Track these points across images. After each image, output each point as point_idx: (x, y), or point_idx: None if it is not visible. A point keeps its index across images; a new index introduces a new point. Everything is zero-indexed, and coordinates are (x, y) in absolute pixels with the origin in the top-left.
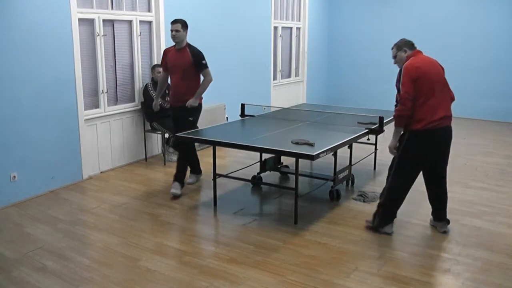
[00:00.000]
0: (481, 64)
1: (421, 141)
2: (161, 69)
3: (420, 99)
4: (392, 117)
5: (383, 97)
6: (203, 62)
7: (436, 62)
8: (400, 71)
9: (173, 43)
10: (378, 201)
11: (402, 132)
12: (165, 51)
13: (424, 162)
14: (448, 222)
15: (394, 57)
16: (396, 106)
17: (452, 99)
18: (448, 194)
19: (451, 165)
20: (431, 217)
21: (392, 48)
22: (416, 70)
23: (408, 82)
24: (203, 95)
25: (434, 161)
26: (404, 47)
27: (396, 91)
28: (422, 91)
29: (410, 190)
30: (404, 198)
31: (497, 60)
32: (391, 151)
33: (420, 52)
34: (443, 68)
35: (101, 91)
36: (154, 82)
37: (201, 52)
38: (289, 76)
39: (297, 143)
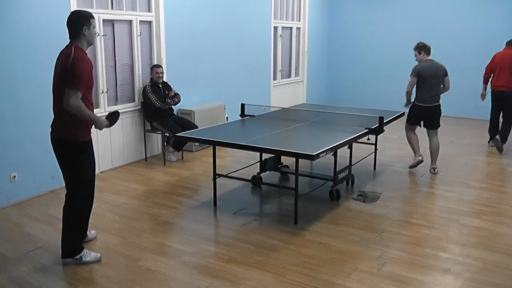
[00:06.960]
0: (481, 64)
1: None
2: (160, 70)
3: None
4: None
5: (383, 97)
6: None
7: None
8: None
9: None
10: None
11: None
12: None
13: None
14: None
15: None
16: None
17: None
18: (448, 194)
19: (452, 165)
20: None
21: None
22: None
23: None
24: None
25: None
26: None
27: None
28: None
29: (409, 191)
30: None
31: None
32: None
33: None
34: None
35: (101, 91)
36: (153, 83)
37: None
38: (289, 76)
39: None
